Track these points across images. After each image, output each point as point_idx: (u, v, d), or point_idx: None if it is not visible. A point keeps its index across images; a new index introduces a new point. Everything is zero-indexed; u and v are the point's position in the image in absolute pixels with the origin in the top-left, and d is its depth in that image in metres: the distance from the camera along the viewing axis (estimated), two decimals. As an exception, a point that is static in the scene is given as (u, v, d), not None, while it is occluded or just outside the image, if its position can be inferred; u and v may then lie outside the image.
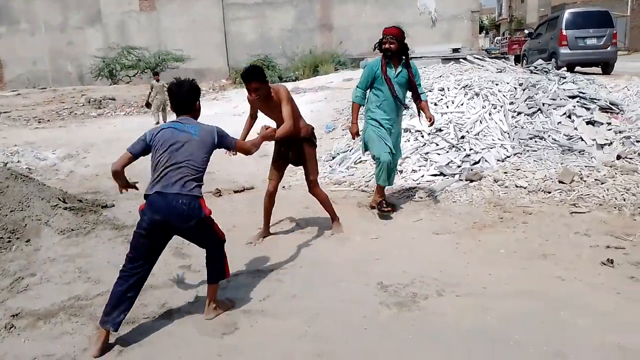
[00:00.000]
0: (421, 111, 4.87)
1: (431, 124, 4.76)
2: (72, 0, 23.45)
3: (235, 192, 6.07)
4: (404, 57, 4.65)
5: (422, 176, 5.75)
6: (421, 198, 5.27)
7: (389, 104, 4.67)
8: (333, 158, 6.93)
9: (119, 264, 4.03)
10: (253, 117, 4.51)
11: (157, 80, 12.05)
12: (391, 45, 4.55)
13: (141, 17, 22.79)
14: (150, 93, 11.94)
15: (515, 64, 11.18)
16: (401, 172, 5.94)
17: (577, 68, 13.09)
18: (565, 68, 13.20)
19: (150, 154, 3.02)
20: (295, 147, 4.31)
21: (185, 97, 3.07)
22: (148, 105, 11.97)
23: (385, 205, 4.80)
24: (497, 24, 51.55)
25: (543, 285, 3.23)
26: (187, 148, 2.96)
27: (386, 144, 4.66)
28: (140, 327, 3.05)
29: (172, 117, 8.90)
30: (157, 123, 11.02)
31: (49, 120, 13.40)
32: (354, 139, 4.94)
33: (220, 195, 5.97)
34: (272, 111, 4.20)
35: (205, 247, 3.18)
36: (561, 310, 2.89)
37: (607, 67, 12.89)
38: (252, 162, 7.73)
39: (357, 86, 4.84)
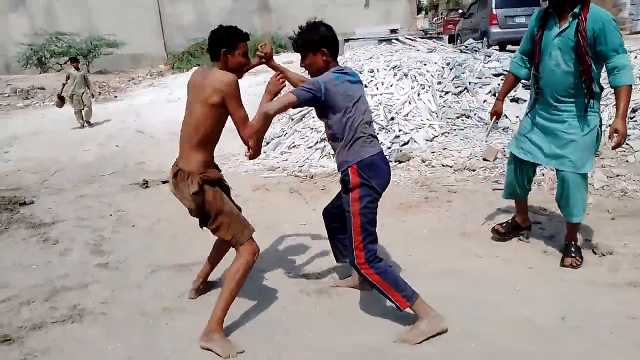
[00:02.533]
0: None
1: (616, 145, 2.90)
2: (-11, -18, 21.85)
3: (164, 182, 5.86)
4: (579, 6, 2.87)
5: (354, 159, 5.73)
6: (352, 181, 5.26)
7: (546, 84, 3.04)
8: (267, 143, 6.82)
9: (30, 265, 3.83)
10: None
11: (77, 69, 9.71)
12: None
13: (68, 0, 21.55)
14: (64, 84, 9.56)
15: (451, 44, 11.36)
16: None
17: (509, 47, 13.48)
18: (497, 47, 13.63)
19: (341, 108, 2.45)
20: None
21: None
22: (61, 99, 9.42)
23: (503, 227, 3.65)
24: (436, 4, 52.40)
25: (461, 263, 3.30)
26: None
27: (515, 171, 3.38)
28: (49, 333, 2.87)
29: (94, 114, 8.29)
30: (83, 127, 9.48)
31: (-32, 113, 12.51)
32: (493, 119, 3.53)
33: (147, 186, 5.75)
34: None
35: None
36: (476, 288, 2.95)
37: (536, 45, 13.30)
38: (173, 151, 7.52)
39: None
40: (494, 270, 3.20)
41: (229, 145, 7.47)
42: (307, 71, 2.63)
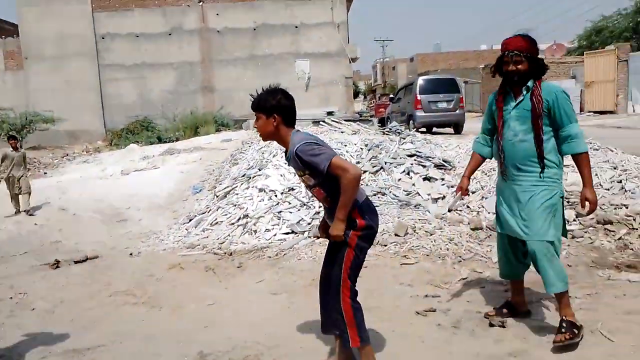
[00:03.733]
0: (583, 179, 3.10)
1: (589, 212, 3.13)
2: None
3: (76, 262, 5.67)
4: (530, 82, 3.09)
5: (275, 235, 5.81)
6: (269, 257, 5.31)
7: (508, 155, 3.19)
8: (190, 220, 6.80)
9: None
10: None
11: (15, 148, 8.50)
12: (518, 66, 3.05)
13: (7, 76, 21.41)
14: None
15: (382, 126, 12.06)
16: (255, 232, 5.98)
17: (435, 129, 14.45)
18: (424, 129, 14.56)
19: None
20: None
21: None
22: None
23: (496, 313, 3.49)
24: (374, 88, 55.88)
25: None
26: None
27: (500, 230, 3.37)
28: None
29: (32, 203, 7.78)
30: (17, 213, 8.18)
31: None
32: (458, 194, 3.57)
33: (57, 267, 5.53)
34: None
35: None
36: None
37: (457, 127, 14.39)
38: (103, 228, 7.35)
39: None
40: (388, 344, 3.26)
41: (152, 223, 7.41)
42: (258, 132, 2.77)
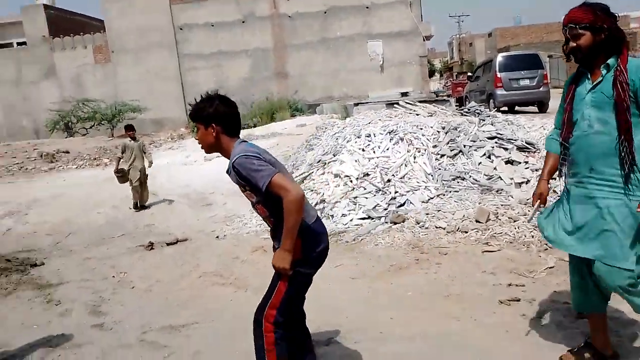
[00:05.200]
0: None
1: None
2: (25, 55, 23.51)
3: (168, 244, 6.08)
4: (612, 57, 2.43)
5: (351, 220, 5.90)
6: (347, 242, 5.40)
7: (578, 148, 2.52)
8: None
9: (32, 325, 4.01)
10: None
11: (133, 138, 8.12)
12: (578, 42, 2.44)
13: (96, 69, 22.97)
14: (120, 158, 8.07)
15: (460, 106, 11.70)
16: (332, 216, 6.09)
17: (517, 108, 13.79)
18: (506, 108, 13.95)
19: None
20: None
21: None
22: (122, 174, 8.02)
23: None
24: (450, 66, 53.96)
25: (438, 326, 3.36)
26: None
27: (556, 228, 2.61)
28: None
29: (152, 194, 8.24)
30: (137, 209, 8.01)
31: (-4, 177, 13.18)
32: (537, 203, 2.78)
33: (152, 248, 5.96)
34: None
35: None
36: (445, 351, 3.00)
37: (542, 106, 13.64)
38: (190, 212, 7.79)
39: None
40: (469, 333, 3.24)
41: (236, 206, 7.75)
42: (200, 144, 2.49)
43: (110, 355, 3.42)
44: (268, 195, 2.24)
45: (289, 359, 2.46)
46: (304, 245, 2.35)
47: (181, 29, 22.14)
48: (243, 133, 15.77)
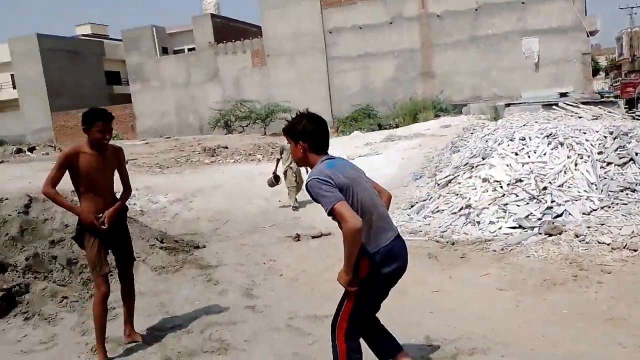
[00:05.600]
0: None
1: None
2: (194, 60, 26.39)
3: (313, 237, 6.36)
4: None
5: (500, 228, 5.59)
6: (494, 251, 5.14)
7: None
8: (411, 206, 6.98)
9: (195, 300, 4.51)
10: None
11: None
12: None
13: (254, 72, 24.90)
14: (279, 159, 8.27)
15: (630, 109, 10.39)
16: (478, 223, 5.84)
17: None
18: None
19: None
20: (119, 220, 3.58)
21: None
22: (276, 178, 8.22)
23: None
24: (618, 64, 47.81)
25: (598, 350, 3.04)
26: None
27: None
28: (200, 361, 3.38)
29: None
30: (295, 208, 8.14)
31: (167, 167, 14.97)
32: None
33: (298, 240, 6.30)
34: (104, 171, 3.50)
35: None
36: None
37: None
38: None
39: None
40: (639, 363, 2.89)
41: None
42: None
43: (260, 335, 3.70)
44: (333, 217, 2.38)
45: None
46: (371, 266, 2.44)
47: (330, 32, 22.97)
48: (385, 133, 15.89)
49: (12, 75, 34.15)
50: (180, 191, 10.47)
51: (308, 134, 2.50)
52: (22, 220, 5.28)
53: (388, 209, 2.66)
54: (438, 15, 21.22)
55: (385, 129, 18.00)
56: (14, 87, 34.00)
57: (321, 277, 4.91)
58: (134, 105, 28.18)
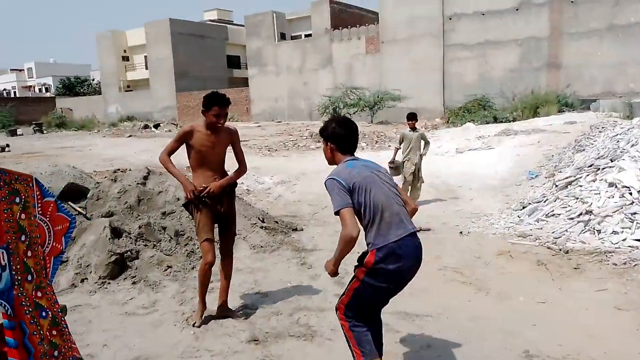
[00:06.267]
0: None
1: None
2: (309, 46, 26.88)
3: (417, 231, 6.13)
4: None
5: (624, 240, 4.96)
6: (615, 265, 4.57)
7: None
8: (523, 208, 6.46)
9: (287, 282, 4.57)
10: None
11: (413, 128, 7.23)
12: None
13: (367, 59, 24.76)
14: (398, 148, 7.36)
15: None
16: (599, 232, 5.24)
17: None
18: None
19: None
20: (226, 195, 3.82)
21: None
22: (396, 168, 7.14)
23: None
24: None
25: None
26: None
27: None
28: (285, 343, 3.40)
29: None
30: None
31: (276, 150, 15.50)
32: None
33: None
34: (215, 149, 3.74)
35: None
36: None
37: None
38: (435, 203, 7.73)
39: None
40: None
41: (484, 204, 7.39)
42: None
43: (347, 326, 3.63)
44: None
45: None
46: (376, 259, 2.56)
47: (450, 18, 22.03)
48: (500, 127, 14.98)
49: (145, 57, 37.50)
50: (285, 174, 10.76)
51: (335, 136, 2.76)
52: (140, 191, 5.73)
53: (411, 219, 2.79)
54: (572, 1, 19.38)
55: (501, 122, 16.94)
56: (146, 68, 37.32)
57: (421, 270, 4.70)
58: (250, 89, 29.50)
